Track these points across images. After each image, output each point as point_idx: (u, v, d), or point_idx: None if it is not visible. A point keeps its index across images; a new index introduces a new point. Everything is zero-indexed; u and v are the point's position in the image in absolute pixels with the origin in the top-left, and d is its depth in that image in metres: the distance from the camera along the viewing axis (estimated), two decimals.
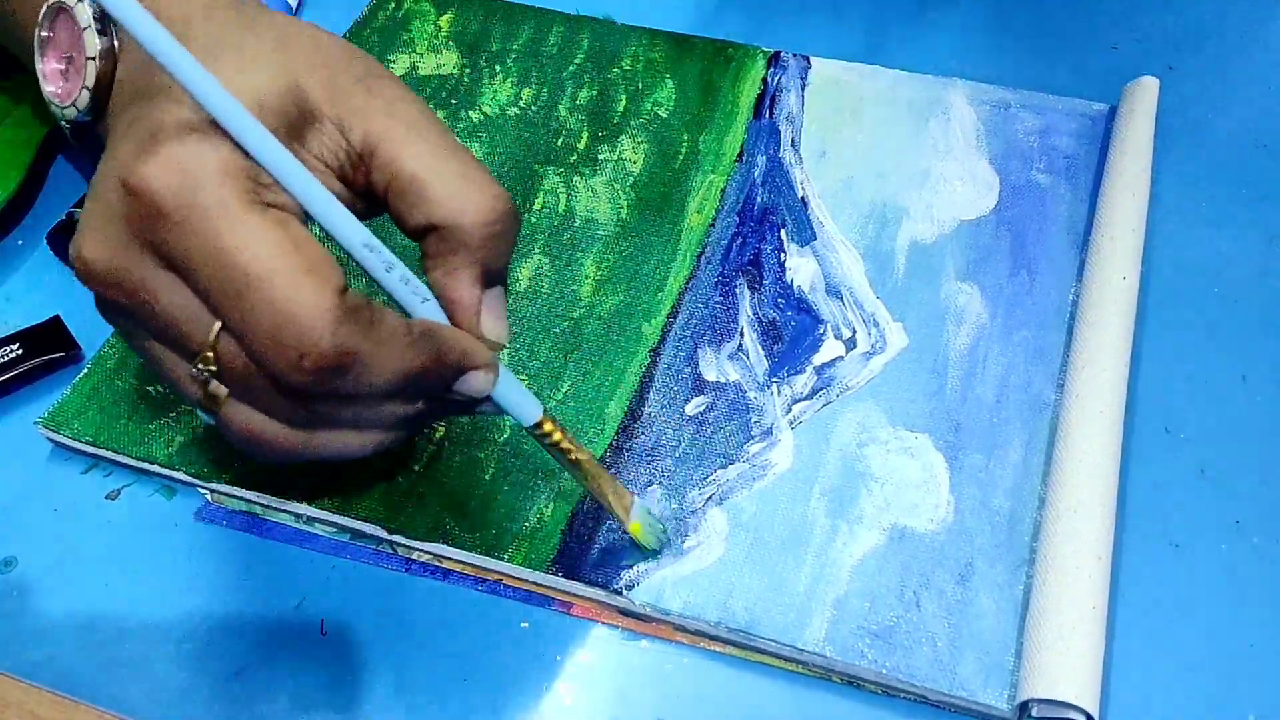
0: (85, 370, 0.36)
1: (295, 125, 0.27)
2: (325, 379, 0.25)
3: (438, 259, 0.28)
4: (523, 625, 0.32)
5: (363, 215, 0.27)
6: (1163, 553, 0.32)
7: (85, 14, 0.30)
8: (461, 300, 0.28)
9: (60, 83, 0.31)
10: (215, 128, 0.25)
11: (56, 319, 0.38)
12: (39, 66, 0.32)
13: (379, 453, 0.28)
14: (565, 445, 0.30)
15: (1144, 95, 0.41)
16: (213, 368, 0.26)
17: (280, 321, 0.24)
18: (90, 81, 0.30)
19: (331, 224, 0.26)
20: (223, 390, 0.26)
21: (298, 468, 0.33)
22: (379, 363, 0.25)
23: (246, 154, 0.25)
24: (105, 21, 0.30)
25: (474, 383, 0.28)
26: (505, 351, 0.37)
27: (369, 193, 0.28)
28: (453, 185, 0.27)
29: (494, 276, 0.28)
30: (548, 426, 0.29)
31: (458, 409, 0.29)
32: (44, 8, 0.31)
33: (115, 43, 0.30)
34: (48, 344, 0.37)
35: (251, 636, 0.32)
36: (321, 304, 0.24)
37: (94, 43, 0.29)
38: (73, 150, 0.45)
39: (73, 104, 0.30)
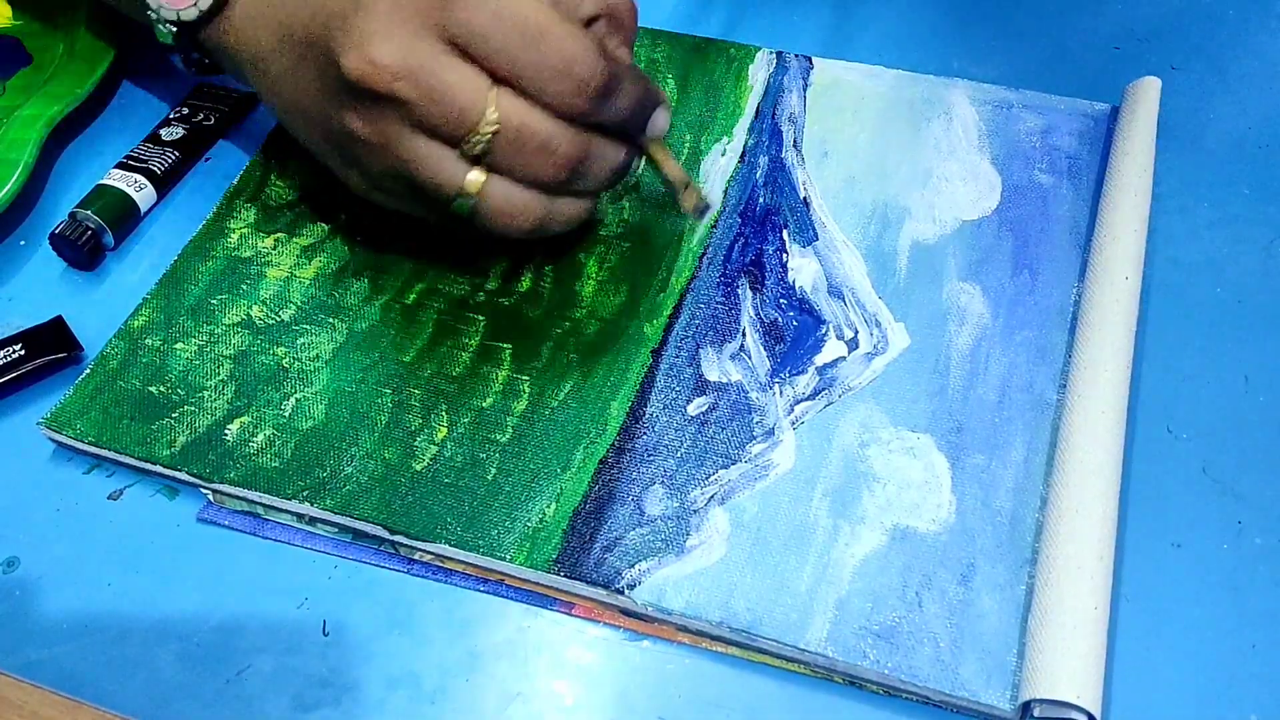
0: (87, 371, 0.36)
1: None
2: (603, 101, 0.32)
3: (607, 37, 0.34)
4: (524, 626, 0.32)
5: None
6: (1165, 553, 0.32)
7: None
8: (632, 64, 0.34)
9: None
10: None
11: (59, 319, 0.38)
12: None
13: (586, 220, 0.36)
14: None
15: (1146, 95, 0.41)
16: (493, 129, 0.31)
17: (568, 58, 0.31)
18: None
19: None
20: (480, 175, 0.32)
21: (299, 471, 0.34)
22: (627, 87, 0.33)
23: None
24: None
25: (661, 117, 0.35)
26: (509, 348, 0.37)
27: None
28: None
29: (632, 49, 0.35)
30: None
31: (633, 158, 0.35)
32: None
33: None
34: (50, 344, 0.37)
35: (253, 636, 0.32)
36: (590, 45, 0.31)
37: None
38: (74, 150, 0.45)
39: (194, 4, 0.35)
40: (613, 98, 0.32)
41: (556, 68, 0.31)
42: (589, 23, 0.33)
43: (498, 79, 0.31)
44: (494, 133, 0.31)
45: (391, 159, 0.33)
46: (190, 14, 0.34)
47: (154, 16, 0.35)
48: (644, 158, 0.36)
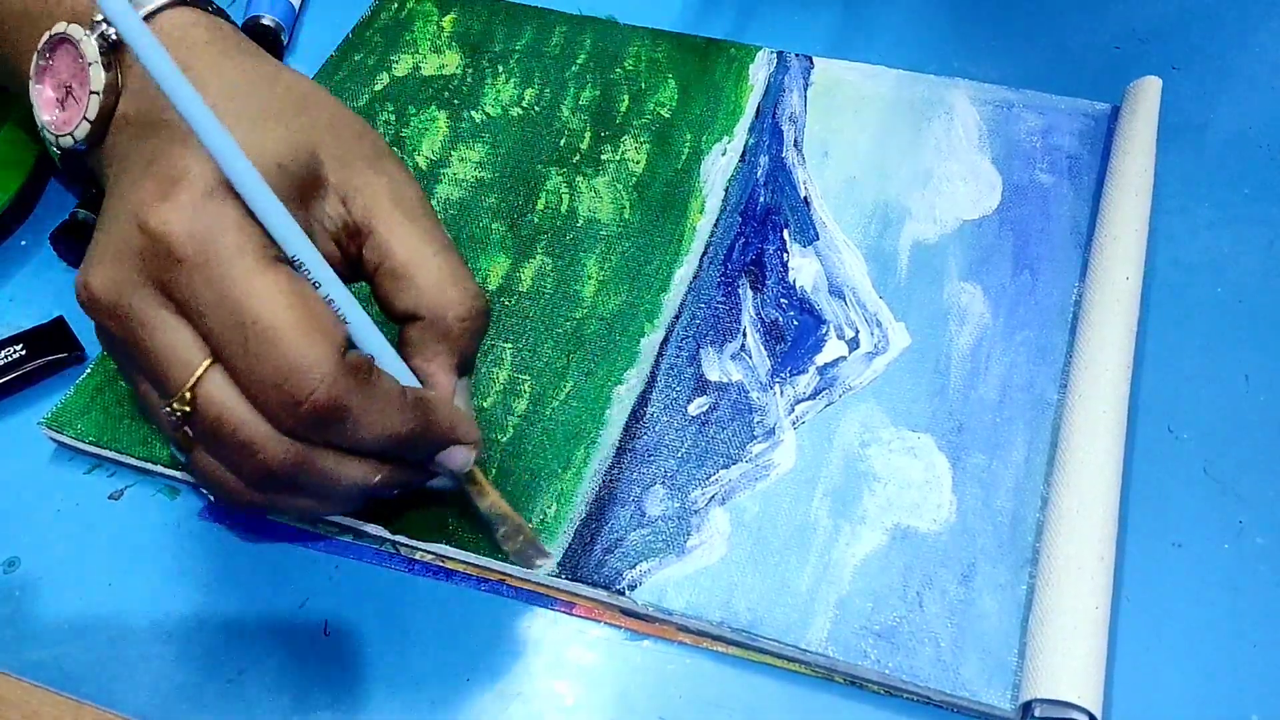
0: (88, 371, 0.36)
1: (305, 189, 0.28)
2: (318, 426, 0.27)
3: (419, 346, 0.30)
4: (524, 626, 0.32)
5: (345, 280, 0.29)
6: (1165, 552, 0.32)
7: (92, 49, 0.30)
8: (441, 385, 0.30)
9: (56, 111, 0.31)
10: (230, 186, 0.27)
11: (60, 320, 0.38)
12: (34, 94, 0.32)
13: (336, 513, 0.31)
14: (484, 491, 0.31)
15: (1146, 95, 0.41)
16: (186, 409, 0.27)
17: (283, 368, 0.26)
18: (92, 114, 0.30)
19: (332, 294, 0.28)
20: (189, 438, 0.28)
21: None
22: (370, 419, 0.27)
23: (255, 218, 0.27)
24: (111, 56, 0.30)
25: (457, 457, 0.30)
26: (509, 348, 0.37)
27: (357, 264, 0.30)
28: (440, 280, 0.29)
29: (466, 366, 0.30)
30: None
31: (415, 482, 0.30)
32: (45, 36, 0.31)
33: (119, 78, 0.30)
34: (51, 345, 0.37)
35: (254, 636, 0.32)
36: (323, 356, 0.26)
37: (99, 77, 0.30)
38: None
39: (70, 134, 0.31)
40: (345, 425, 0.27)
41: (268, 376, 0.26)
42: (406, 319, 0.29)
43: (216, 355, 0.27)
44: (189, 410, 0.27)
45: (125, 378, 0.30)
46: (67, 142, 0.31)
47: (45, 136, 0.32)
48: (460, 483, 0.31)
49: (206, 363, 0.27)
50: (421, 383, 0.29)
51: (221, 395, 0.27)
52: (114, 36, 0.30)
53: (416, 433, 0.28)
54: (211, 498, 0.29)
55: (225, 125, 0.26)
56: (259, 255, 0.26)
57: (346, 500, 0.30)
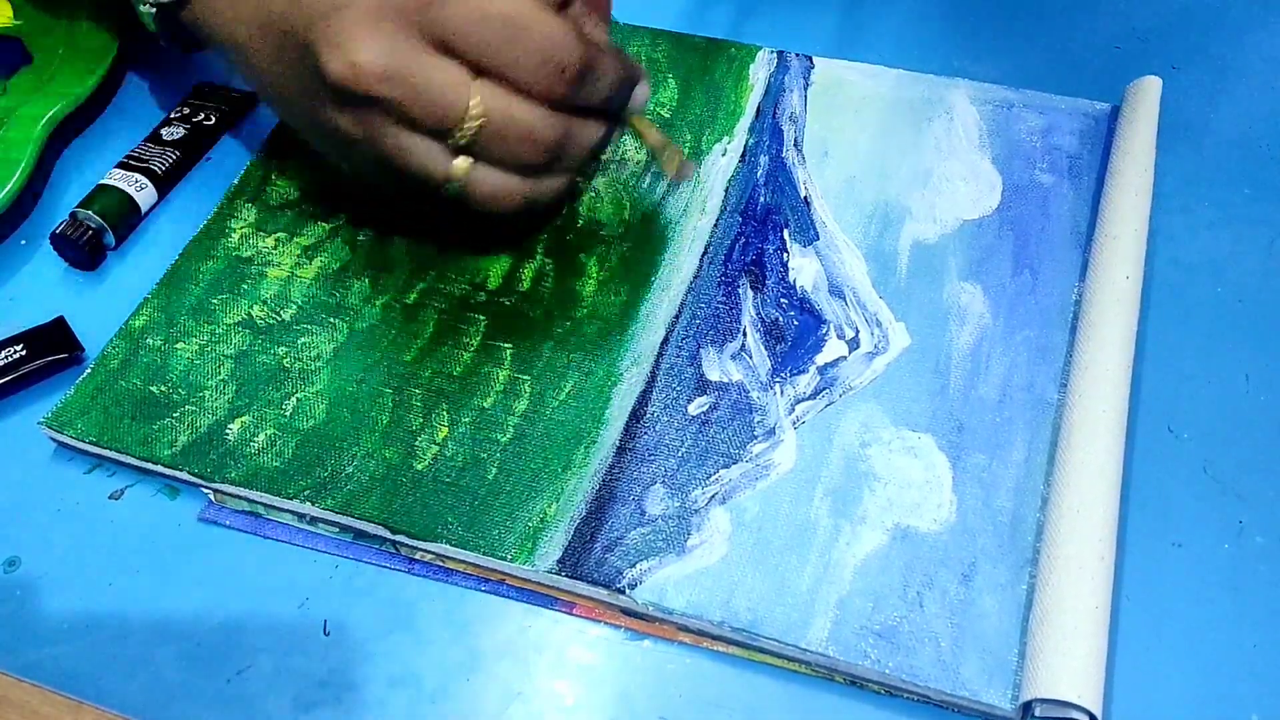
0: (88, 371, 0.36)
1: None
2: (580, 84, 0.32)
3: (582, 18, 0.34)
4: (525, 626, 0.32)
5: None
6: (1166, 552, 0.32)
7: None
8: (609, 44, 0.35)
9: None
10: None
11: (60, 320, 0.38)
12: None
13: (565, 195, 0.37)
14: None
15: (1147, 95, 0.41)
16: (478, 123, 0.32)
17: (546, 47, 0.32)
18: None
19: None
20: (466, 162, 0.33)
21: (300, 470, 0.34)
22: (606, 69, 0.33)
23: None
24: None
25: (641, 93, 0.36)
26: (510, 347, 0.37)
27: None
28: None
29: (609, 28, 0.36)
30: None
31: (612, 133, 0.36)
32: None
33: None
34: (51, 345, 0.37)
35: (254, 636, 0.32)
36: (568, 30, 0.32)
37: None
38: (75, 150, 0.45)
39: None
40: (592, 81, 0.33)
41: (537, 58, 0.32)
42: (564, 5, 0.34)
43: (479, 71, 0.32)
44: (479, 126, 0.32)
45: (378, 152, 0.33)
46: None
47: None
48: (623, 130, 0.37)
49: (477, 82, 0.32)
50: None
51: (502, 100, 0.32)
52: None
53: (626, 74, 0.34)
54: (486, 208, 0.34)
55: None
56: None
57: (580, 168, 0.36)
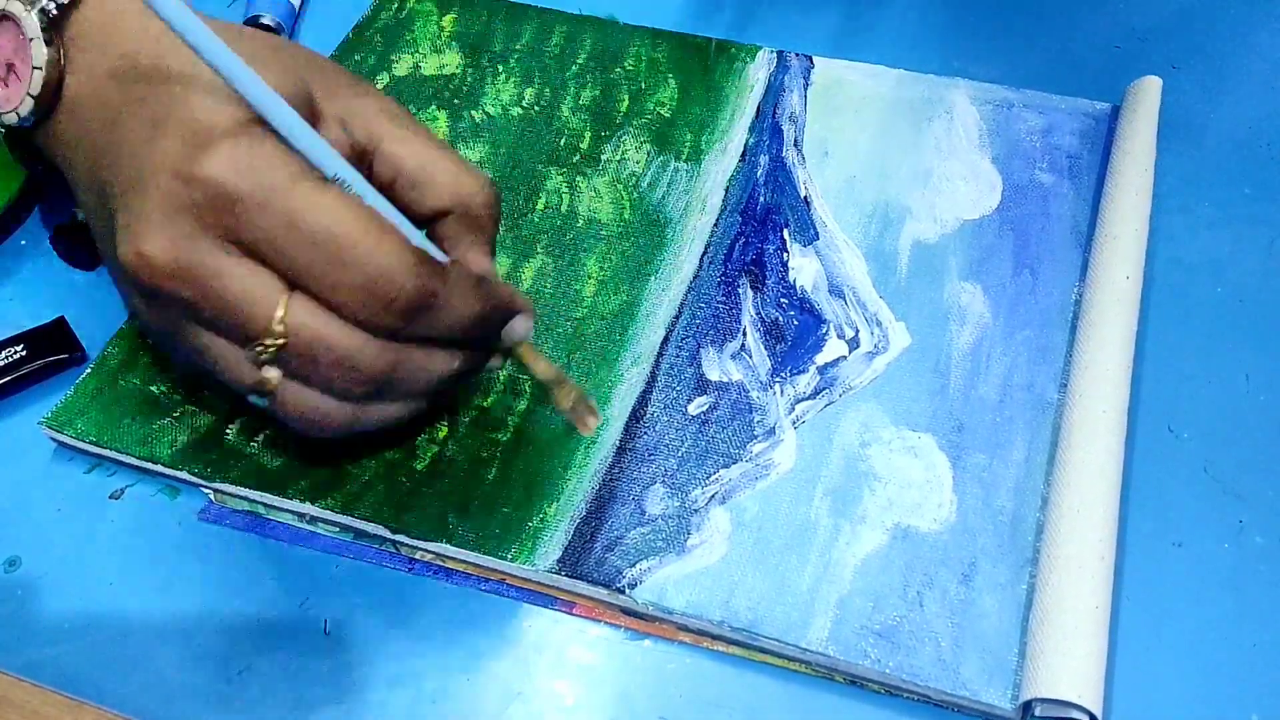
0: (88, 371, 0.36)
1: (306, 118, 0.29)
2: (411, 319, 0.28)
3: (455, 239, 0.31)
4: (525, 626, 0.32)
5: None
6: (1166, 552, 0.32)
7: (33, 24, 0.30)
8: (485, 270, 0.31)
9: (0, 88, 0.32)
10: (260, 123, 0.28)
11: (61, 320, 0.38)
12: None
13: (408, 420, 0.32)
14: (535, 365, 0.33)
15: (1147, 94, 0.41)
16: (279, 342, 0.28)
17: (370, 273, 0.27)
18: (35, 90, 0.31)
19: (376, 203, 0.29)
20: (275, 374, 0.29)
21: (300, 470, 0.34)
22: (453, 303, 0.29)
23: (289, 144, 0.28)
24: (52, 32, 0.31)
25: (519, 327, 0.32)
26: None
27: (370, 183, 0.30)
28: (455, 174, 0.31)
29: (492, 250, 0.32)
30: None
31: (477, 369, 0.32)
32: None
33: (60, 54, 0.31)
34: (51, 345, 0.37)
35: (255, 636, 0.32)
36: (404, 254, 0.28)
37: (41, 52, 0.31)
38: None
39: (14, 110, 0.31)
40: (431, 315, 0.28)
41: (358, 283, 0.27)
42: (433, 219, 0.31)
43: (292, 284, 0.28)
44: (281, 345, 0.28)
45: (185, 348, 0.30)
46: (11, 119, 0.31)
47: None
48: (506, 358, 0.33)
49: (286, 295, 0.27)
50: None
51: (312, 318, 0.28)
52: (54, 12, 0.31)
53: (488, 309, 0.30)
54: (299, 430, 0.30)
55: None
56: (311, 178, 0.27)
57: (427, 396, 0.31)
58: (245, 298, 0.27)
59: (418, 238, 0.29)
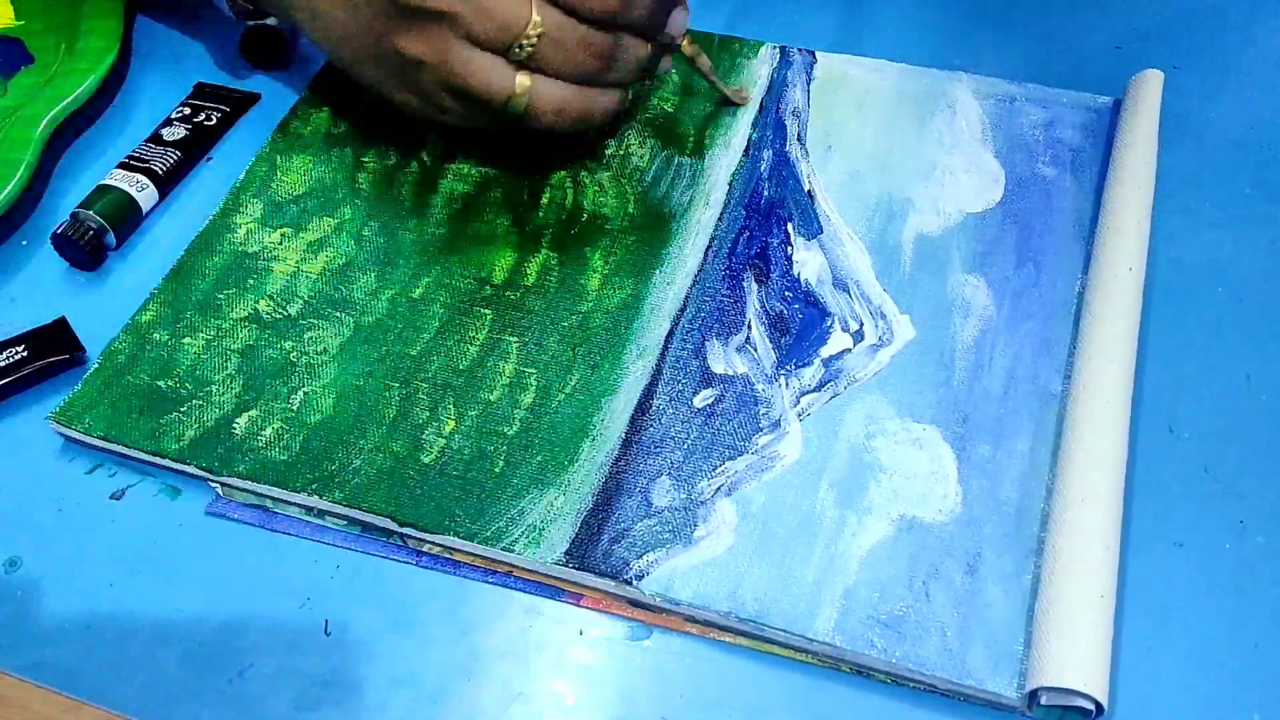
0: (96, 365, 0.36)
1: None
2: (624, 8, 0.35)
3: None
4: (526, 626, 0.31)
5: None
6: (1167, 552, 0.32)
7: None
8: None
9: None
10: None
11: (62, 320, 0.38)
12: None
13: (621, 109, 0.39)
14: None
15: (1149, 88, 0.41)
16: (539, 32, 0.35)
17: None
18: None
19: None
20: (527, 79, 0.36)
21: (307, 464, 0.34)
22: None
23: None
24: None
25: (679, 16, 0.38)
26: (515, 341, 0.37)
27: None
28: None
29: None
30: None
31: (658, 56, 0.39)
32: None
33: None
34: (53, 346, 0.37)
35: (255, 636, 0.31)
36: None
37: None
38: (76, 150, 0.45)
39: None
40: (632, 3, 0.36)
41: None
42: None
43: None
44: (539, 36, 0.35)
45: (445, 73, 0.36)
46: None
47: None
48: (673, 55, 0.40)
49: (535, 2, 0.35)
50: None
51: (557, 15, 0.35)
52: None
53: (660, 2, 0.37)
54: (545, 123, 0.37)
55: None
56: None
57: (628, 84, 0.38)
58: (507, 3, 0.34)
59: None
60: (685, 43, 0.40)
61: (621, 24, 0.36)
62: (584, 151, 0.42)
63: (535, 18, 0.35)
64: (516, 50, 0.35)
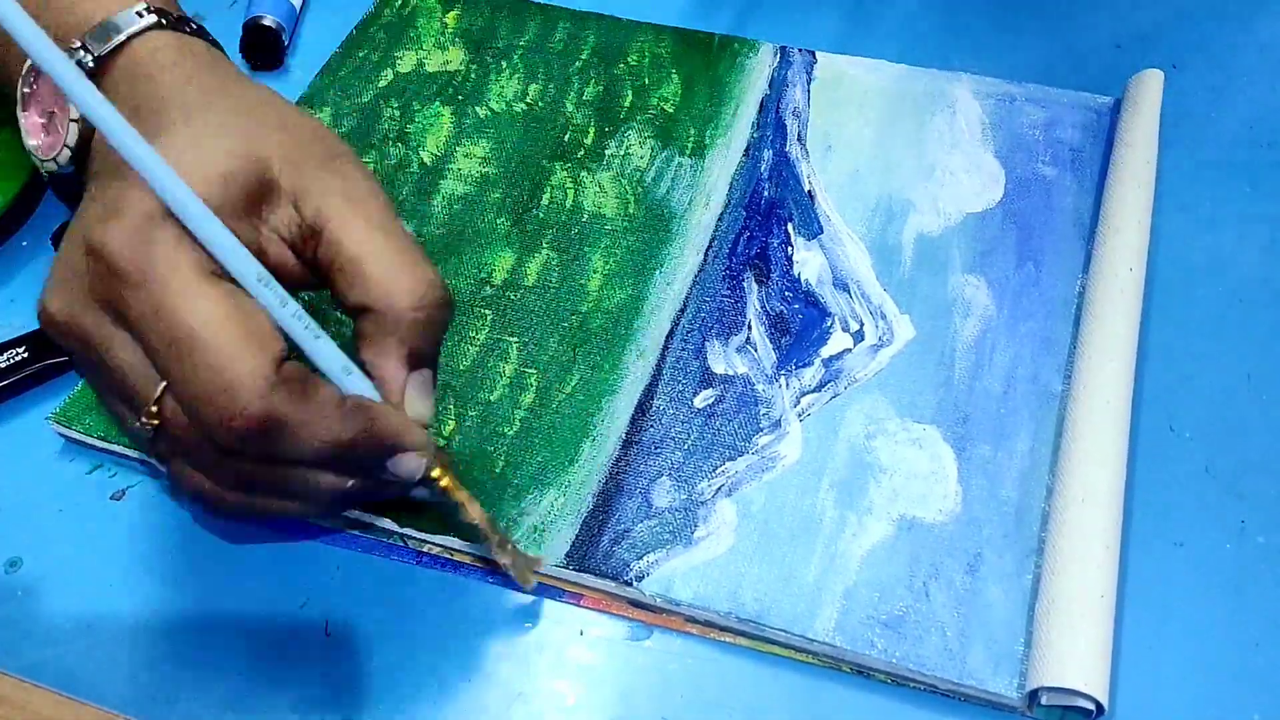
0: None
1: (255, 196, 0.28)
2: (252, 441, 0.26)
3: (368, 339, 0.29)
4: (526, 626, 0.31)
5: (314, 288, 0.30)
6: (1167, 552, 0.32)
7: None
8: (386, 379, 0.29)
9: (42, 136, 0.32)
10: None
11: None
12: (21, 119, 0.33)
13: (322, 517, 0.32)
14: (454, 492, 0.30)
15: (1149, 88, 0.41)
16: (154, 423, 0.27)
17: (215, 382, 0.26)
18: (72, 141, 0.31)
19: (265, 302, 0.27)
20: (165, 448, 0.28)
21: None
22: (308, 431, 0.27)
23: (195, 239, 0.26)
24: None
25: (406, 464, 0.29)
26: (516, 342, 0.37)
27: (317, 267, 0.29)
28: (387, 269, 0.28)
29: (423, 359, 0.29)
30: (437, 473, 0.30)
31: (392, 489, 0.30)
32: (26, 63, 0.32)
33: None
34: (53, 347, 0.37)
35: (255, 637, 0.31)
36: (256, 370, 0.26)
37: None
38: None
39: (54, 159, 0.32)
40: (283, 439, 0.27)
41: (200, 394, 0.26)
42: (357, 313, 0.29)
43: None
44: (156, 426, 0.27)
45: (96, 394, 0.30)
46: (51, 167, 0.32)
47: (34, 160, 0.33)
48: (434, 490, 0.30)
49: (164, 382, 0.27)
50: (370, 377, 0.29)
51: (179, 413, 0.27)
52: (90, 65, 0.31)
53: (359, 440, 0.27)
54: (195, 506, 0.31)
55: (179, 143, 0.27)
56: (196, 271, 0.26)
57: (329, 504, 0.30)
58: (128, 372, 0.27)
59: (337, 361, 0.28)
60: (449, 484, 0.30)
61: (265, 458, 0.27)
62: (584, 150, 0.41)
63: (153, 405, 0.27)
64: (139, 424, 0.28)
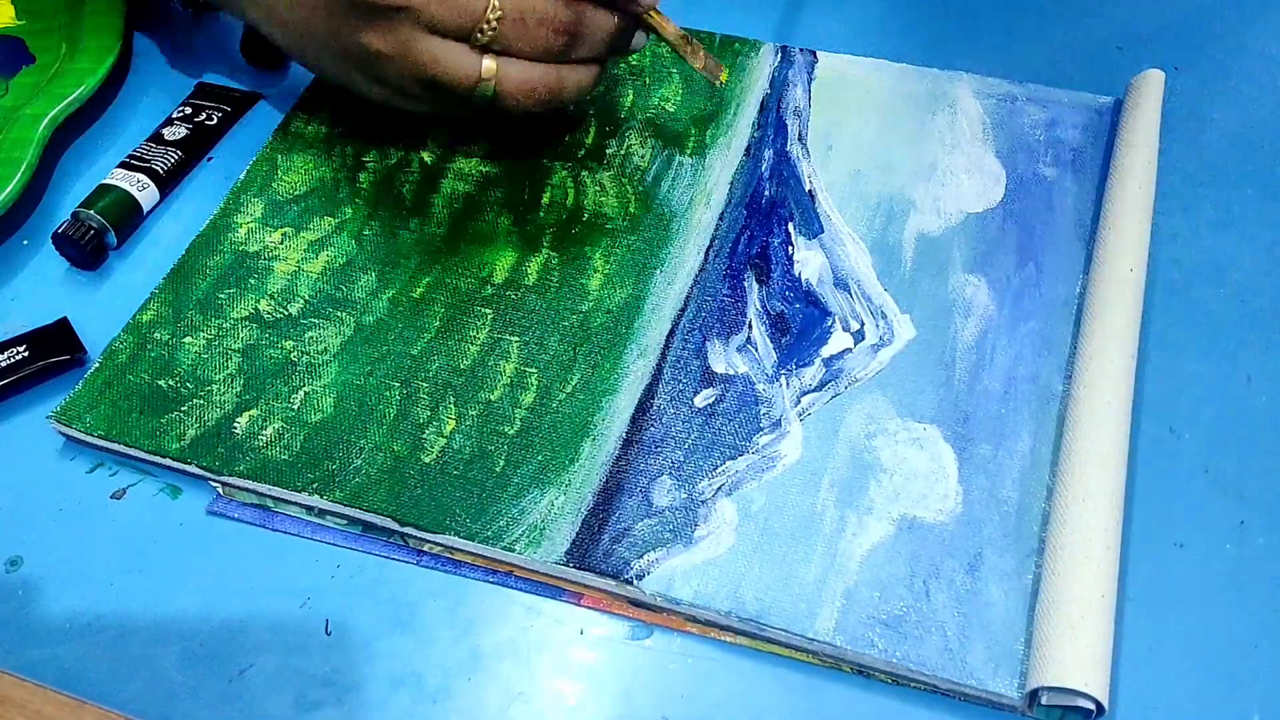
0: (96, 365, 0.36)
1: None
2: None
3: None
4: (527, 625, 0.31)
5: None
6: (1167, 553, 0.32)
7: None
8: None
9: None
10: None
11: (63, 321, 0.38)
12: None
13: (596, 89, 0.39)
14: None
15: (1150, 88, 0.41)
16: (498, 15, 0.35)
17: None
18: None
19: None
20: (493, 63, 0.36)
21: (308, 463, 0.34)
22: None
23: None
24: None
25: None
26: (516, 340, 0.37)
27: None
28: None
29: None
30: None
31: (630, 30, 0.38)
32: None
33: None
34: (54, 346, 0.37)
35: (256, 636, 0.31)
36: None
37: None
38: (77, 150, 0.45)
39: None
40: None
41: None
42: None
43: None
44: (499, 19, 0.35)
45: (410, 65, 0.36)
46: None
47: None
48: (645, 28, 0.39)
49: None
50: None
51: None
52: None
53: None
54: (515, 106, 0.37)
55: None
56: None
57: (601, 59, 0.38)
58: None
59: None
60: (655, 13, 0.39)
61: None
62: (584, 150, 0.41)
63: (493, 1, 0.35)
64: (478, 35, 0.35)
